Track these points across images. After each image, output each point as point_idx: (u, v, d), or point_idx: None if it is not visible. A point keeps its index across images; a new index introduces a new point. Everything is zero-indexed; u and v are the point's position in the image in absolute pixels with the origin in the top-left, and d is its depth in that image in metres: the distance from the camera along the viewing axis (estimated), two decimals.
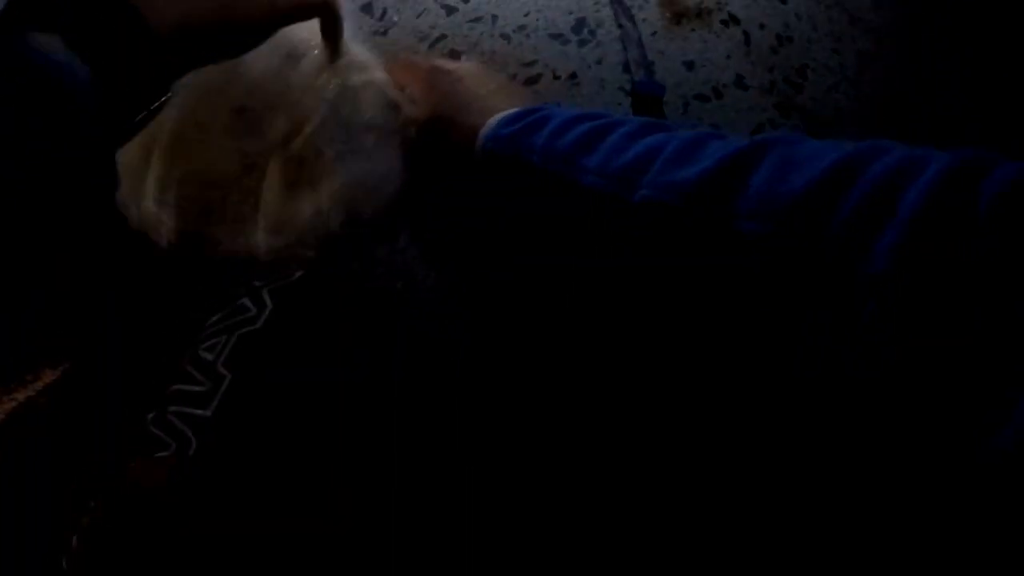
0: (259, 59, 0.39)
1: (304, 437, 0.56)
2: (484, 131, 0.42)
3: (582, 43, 0.65)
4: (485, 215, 0.47)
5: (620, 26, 0.64)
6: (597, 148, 0.35)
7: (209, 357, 0.59)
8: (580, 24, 0.66)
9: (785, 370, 0.29)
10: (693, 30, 0.67)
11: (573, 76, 0.64)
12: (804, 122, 0.66)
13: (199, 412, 0.58)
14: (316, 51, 0.41)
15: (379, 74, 0.46)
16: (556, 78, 0.64)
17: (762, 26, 0.68)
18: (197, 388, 0.58)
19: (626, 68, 0.64)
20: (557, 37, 0.65)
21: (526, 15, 0.65)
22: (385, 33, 0.65)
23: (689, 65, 0.66)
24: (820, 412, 0.29)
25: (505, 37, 0.65)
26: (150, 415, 0.57)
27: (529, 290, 0.47)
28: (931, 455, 0.25)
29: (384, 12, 0.65)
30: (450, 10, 0.65)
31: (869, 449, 0.28)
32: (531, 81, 0.63)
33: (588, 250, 0.38)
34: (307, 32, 0.40)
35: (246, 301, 0.61)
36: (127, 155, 0.42)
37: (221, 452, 0.56)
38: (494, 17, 0.65)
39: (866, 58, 0.69)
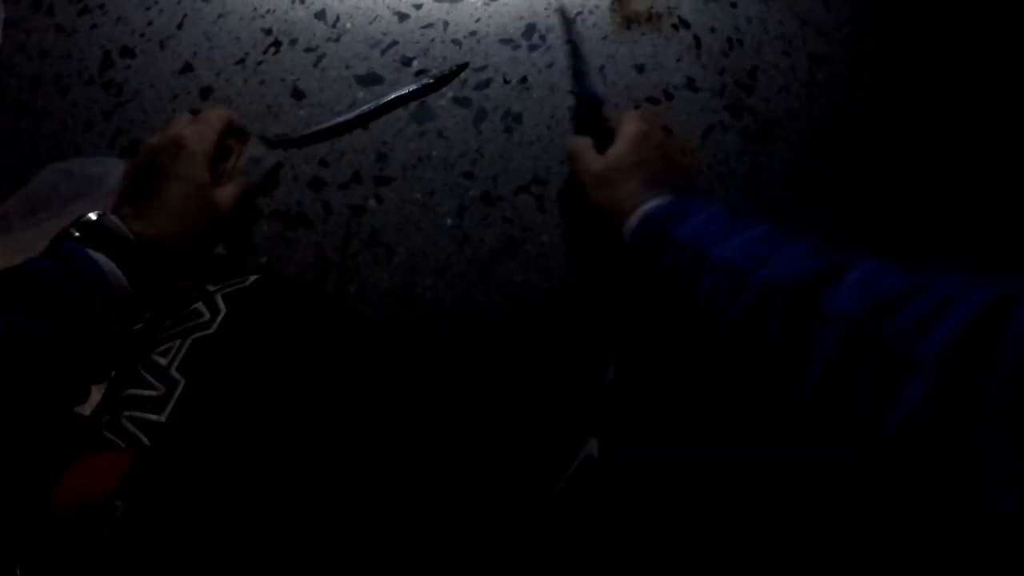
0: None
1: (259, 443, 0.57)
2: (647, 206, 0.50)
3: (532, 48, 0.66)
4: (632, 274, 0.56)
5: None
6: (736, 235, 0.44)
7: (163, 362, 0.59)
8: (530, 29, 0.66)
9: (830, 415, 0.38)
10: (643, 34, 0.68)
11: (524, 80, 0.65)
12: (756, 123, 0.67)
13: (153, 417, 0.58)
14: None
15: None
16: (506, 82, 0.64)
17: (712, 30, 0.69)
18: (151, 393, 0.58)
19: (575, 75, 0.65)
20: (507, 42, 0.66)
21: (477, 21, 0.66)
22: (338, 40, 0.65)
23: (640, 68, 0.67)
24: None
25: (456, 43, 0.65)
26: (104, 419, 0.57)
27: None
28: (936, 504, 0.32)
29: (337, 19, 0.66)
30: (402, 16, 0.66)
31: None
32: (481, 86, 0.64)
33: (706, 316, 0.46)
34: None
35: (199, 306, 0.61)
36: None
37: (175, 457, 0.56)
38: (445, 23, 0.66)
39: (816, 59, 0.70)
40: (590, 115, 0.61)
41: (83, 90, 0.67)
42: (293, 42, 0.66)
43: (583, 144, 0.56)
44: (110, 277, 0.45)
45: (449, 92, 0.64)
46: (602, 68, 0.66)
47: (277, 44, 0.66)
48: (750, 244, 0.43)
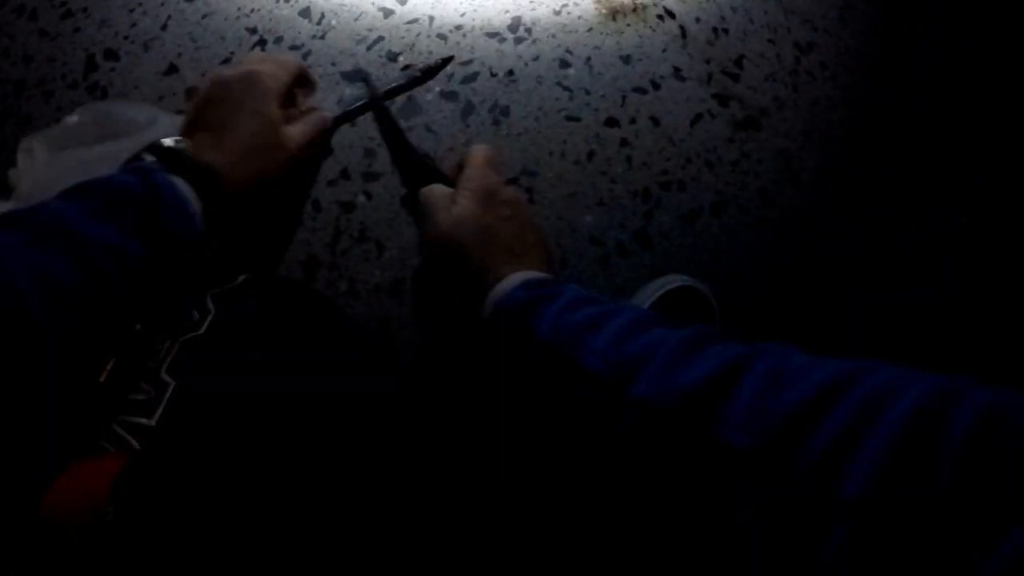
0: None
1: (250, 443, 0.56)
2: (502, 288, 0.42)
3: (518, 41, 0.66)
4: (483, 367, 0.50)
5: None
6: (602, 330, 0.36)
7: (152, 364, 0.58)
8: (516, 23, 0.67)
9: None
10: (629, 25, 0.68)
11: (510, 73, 0.65)
12: (743, 111, 0.67)
13: (143, 421, 0.57)
14: None
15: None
16: (493, 76, 0.64)
17: (698, 19, 0.69)
18: (140, 396, 0.57)
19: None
20: (493, 36, 0.66)
21: (462, 15, 0.66)
22: (323, 37, 0.65)
23: (626, 59, 0.67)
24: None
25: (442, 37, 0.65)
26: (93, 424, 0.56)
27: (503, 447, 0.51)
28: None
29: (322, 16, 0.66)
30: (387, 12, 0.66)
31: None
32: (468, 79, 0.64)
33: (575, 428, 0.40)
34: None
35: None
36: None
37: (165, 461, 0.55)
38: (431, 18, 0.66)
39: (802, 48, 0.70)
40: (425, 174, 0.54)
41: (67, 94, 0.67)
42: (278, 40, 0.66)
43: (437, 195, 0.48)
44: (189, 205, 0.41)
45: (436, 86, 0.64)
46: (588, 60, 0.66)
47: (262, 42, 0.66)
48: (619, 343, 0.36)
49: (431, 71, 0.62)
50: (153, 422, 0.56)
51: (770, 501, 0.29)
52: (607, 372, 0.35)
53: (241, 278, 0.61)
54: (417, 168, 0.55)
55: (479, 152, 0.48)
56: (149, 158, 0.42)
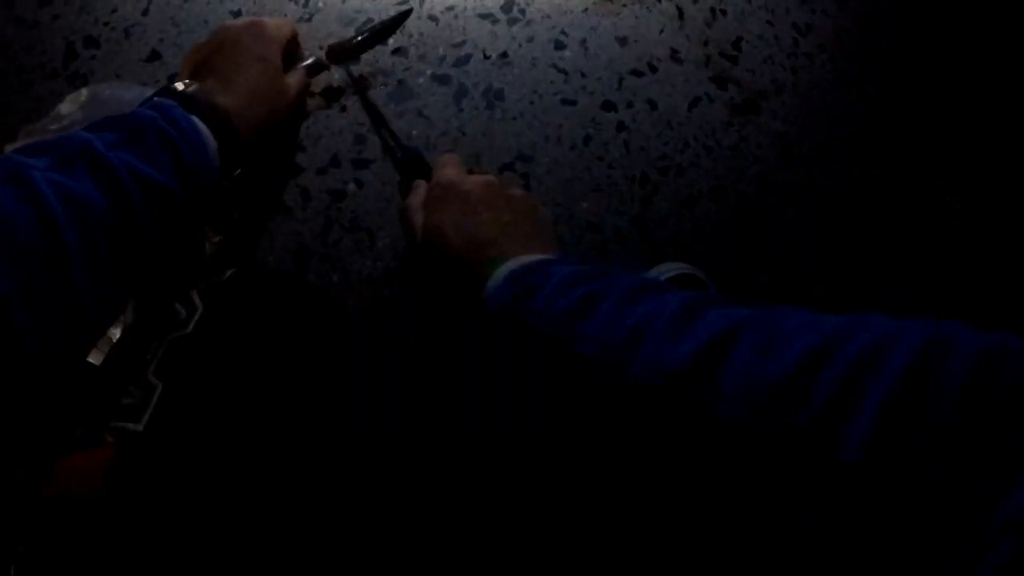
0: None
1: (238, 446, 0.54)
2: (489, 288, 0.41)
3: (512, 22, 0.64)
4: (487, 367, 0.48)
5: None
6: (594, 314, 0.35)
7: (139, 366, 0.57)
8: (509, 3, 0.65)
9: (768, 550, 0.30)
10: (625, 6, 0.66)
11: (504, 55, 0.63)
12: (741, 94, 0.65)
13: (131, 426, 0.55)
14: None
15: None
16: (486, 58, 0.63)
17: (695, 0, 0.68)
18: (127, 400, 0.55)
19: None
20: (486, 17, 0.64)
21: None
22: (310, 19, 0.63)
23: (622, 41, 0.65)
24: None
25: (433, 19, 0.64)
26: (79, 432, 0.54)
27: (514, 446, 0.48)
28: None
29: None
30: None
31: None
32: (461, 62, 0.62)
33: (582, 420, 0.39)
34: None
35: (175, 305, 0.59)
36: None
37: (152, 466, 0.53)
38: None
39: (800, 29, 0.69)
40: (414, 168, 0.57)
41: (47, 84, 0.65)
42: None
43: (412, 207, 0.49)
44: (208, 141, 0.43)
45: (428, 70, 0.62)
46: (584, 41, 0.64)
47: None
48: (611, 323, 0.35)
49: (395, 20, 0.61)
50: (140, 427, 0.54)
51: (769, 471, 0.28)
52: (602, 358, 0.34)
53: (229, 272, 0.59)
54: (406, 164, 0.58)
55: (440, 158, 0.51)
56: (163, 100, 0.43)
